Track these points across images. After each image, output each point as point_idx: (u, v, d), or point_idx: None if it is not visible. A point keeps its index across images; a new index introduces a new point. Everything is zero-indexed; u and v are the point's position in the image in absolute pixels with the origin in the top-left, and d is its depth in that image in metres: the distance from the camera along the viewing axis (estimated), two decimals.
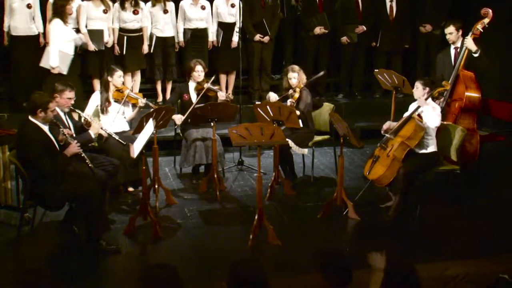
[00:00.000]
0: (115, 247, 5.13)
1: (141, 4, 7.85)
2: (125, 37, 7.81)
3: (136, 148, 5.41)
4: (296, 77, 6.62)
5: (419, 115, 5.82)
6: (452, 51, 6.64)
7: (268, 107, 6.03)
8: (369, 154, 6.44)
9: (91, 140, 5.83)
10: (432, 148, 5.84)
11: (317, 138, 6.81)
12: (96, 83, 7.71)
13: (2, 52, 7.92)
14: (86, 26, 7.58)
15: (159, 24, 7.99)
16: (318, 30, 8.47)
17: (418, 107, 5.84)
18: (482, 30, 6.37)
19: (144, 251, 5.36)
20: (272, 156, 6.74)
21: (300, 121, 6.35)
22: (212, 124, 6.31)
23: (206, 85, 6.72)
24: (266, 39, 8.29)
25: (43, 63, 7.27)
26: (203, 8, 8.09)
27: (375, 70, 6.91)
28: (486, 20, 6.37)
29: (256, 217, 5.23)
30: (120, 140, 5.97)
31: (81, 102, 6.49)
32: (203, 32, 8.16)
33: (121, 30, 7.83)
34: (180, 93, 6.94)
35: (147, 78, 8.38)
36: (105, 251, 5.07)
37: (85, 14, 7.56)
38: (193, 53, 7.99)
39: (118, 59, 7.79)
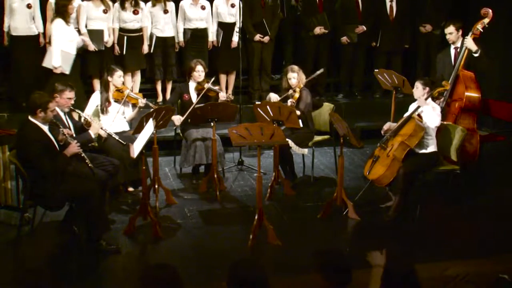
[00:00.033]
0: (115, 247, 5.13)
1: (141, 4, 7.85)
2: (125, 37, 7.81)
3: (136, 148, 5.41)
4: (295, 77, 6.61)
5: (419, 115, 5.81)
6: (452, 51, 6.64)
7: (268, 107, 6.03)
8: (369, 154, 6.44)
9: (91, 140, 5.83)
10: (432, 148, 5.84)
11: (317, 138, 6.81)
12: (96, 83, 7.71)
13: (2, 52, 7.92)
14: (86, 26, 7.58)
15: (159, 24, 7.98)
16: (318, 30, 8.47)
17: (418, 107, 5.84)
18: (482, 30, 6.37)
19: (144, 251, 5.36)
20: (272, 156, 6.73)
21: (300, 121, 6.35)
22: (212, 124, 6.31)
23: (206, 85, 6.72)
24: (266, 39, 8.28)
25: (46, 63, 7.26)
26: (203, 8, 8.09)
27: (375, 70, 6.91)
28: (486, 20, 6.37)
29: (256, 217, 5.23)
30: (120, 140, 5.97)
31: (81, 102, 6.49)
32: (203, 32, 8.16)
33: (121, 30, 7.82)
34: (180, 93, 6.94)
35: (147, 78, 8.38)
36: (105, 251, 5.07)
37: (85, 14, 7.55)
38: (193, 53, 7.99)
39: (118, 59, 7.79)
